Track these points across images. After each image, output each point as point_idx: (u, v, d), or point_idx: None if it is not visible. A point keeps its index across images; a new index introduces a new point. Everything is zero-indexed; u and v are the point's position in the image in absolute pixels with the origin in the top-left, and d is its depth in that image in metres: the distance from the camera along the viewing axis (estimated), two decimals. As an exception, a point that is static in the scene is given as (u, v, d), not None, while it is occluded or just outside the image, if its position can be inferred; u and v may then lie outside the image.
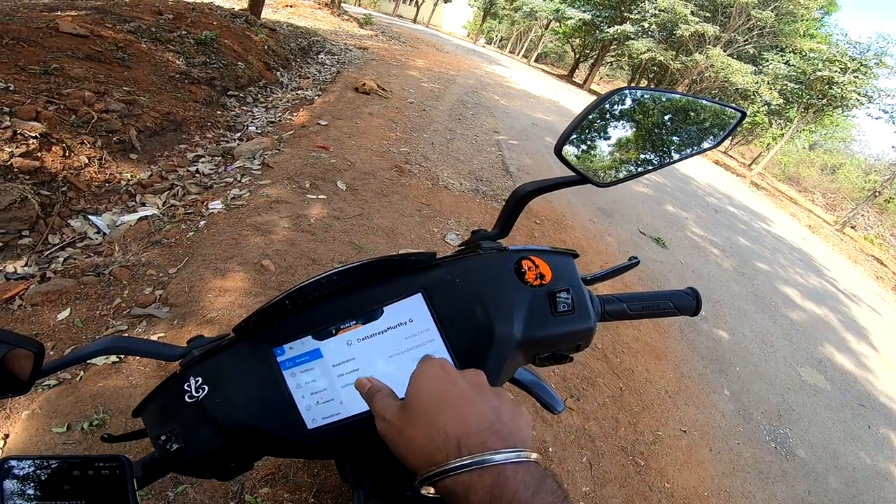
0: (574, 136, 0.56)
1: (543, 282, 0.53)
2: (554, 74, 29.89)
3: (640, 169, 0.59)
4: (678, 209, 7.05)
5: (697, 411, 2.87)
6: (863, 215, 19.75)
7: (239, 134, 4.09)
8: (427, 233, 3.31)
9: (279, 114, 4.90)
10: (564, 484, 2.00)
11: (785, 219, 12.52)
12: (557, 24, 29.36)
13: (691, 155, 0.60)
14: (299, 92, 5.93)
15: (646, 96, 0.59)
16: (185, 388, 0.49)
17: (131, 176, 2.87)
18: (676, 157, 0.60)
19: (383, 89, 6.52)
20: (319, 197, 3.18)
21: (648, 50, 21.82)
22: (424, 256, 0.53)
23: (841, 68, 16.83)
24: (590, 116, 0.55)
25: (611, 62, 31.91)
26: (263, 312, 0.50)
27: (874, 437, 3.56)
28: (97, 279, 1.97)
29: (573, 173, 0.58)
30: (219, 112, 4.45)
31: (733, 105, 0.60)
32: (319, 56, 8.67)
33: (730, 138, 30.41)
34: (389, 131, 4.98)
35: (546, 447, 2.15)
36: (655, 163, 0.59)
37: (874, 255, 15.38)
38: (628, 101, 0.58)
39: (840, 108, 18.79)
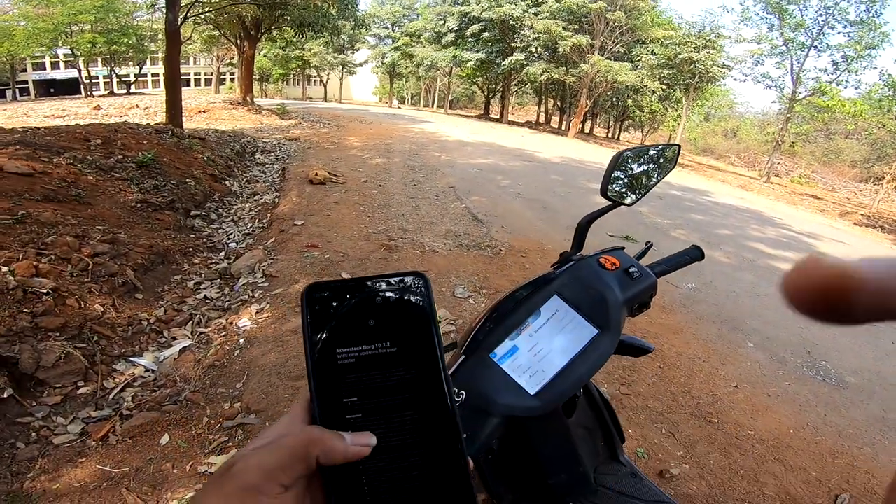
0: (609, 182, 0.91)
1: (617, 266, 0.81)
2: (472, 116, 31.66)
3: (646, 189, 0.96)
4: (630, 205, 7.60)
5: (735, 367, 3.11)
6: (778, 163, 21.92)
7: (223, 253, 4.10)
8: (437, 293, 3.46)
9: (249, 224, 4.96)
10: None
11: (719, 186, 13.67)
12: (458, 68, 31.43)
13: (666, 173, 1.00)
14: (257, 198, 6.02)
15: (633, 152, 0.97)
16: None
17: (147, 315, 2.90)
18: (659, 177, 0.98)
19: (335, 175, 6.75)
20: (333, 293, 3.30)
21: (544, 72, 23.69)
22: (548, 275, 0.82)
23: (694, 48, 19.10)
24: (611, 169, 0.91)
25: (516, 90, 34.29)
26: (475, 335, 0.74)
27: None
28: (176, 406, 2.15)
29: (610, 202, 0.92)
30: (192, 235, 4.45)
31: (668, 143, 1.05)
32: (256, 156, 8.82)
33: (642, 132, 32.66)
34: (361, 215, 5.17)
35: (626, 431, 2.28)
36: (652, 183, 0.97)
37: (808, 194, 16.99)
38: (627, 157, 0.96)
39: (710, 82, 21.20)
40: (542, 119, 32.01)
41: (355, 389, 0.35)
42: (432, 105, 40.17)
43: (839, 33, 18.21)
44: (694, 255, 0.94)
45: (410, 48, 31.81)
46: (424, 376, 0.36)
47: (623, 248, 0.87)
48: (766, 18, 19.18)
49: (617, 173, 0.93)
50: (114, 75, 29.45)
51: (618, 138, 32.45)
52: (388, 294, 0.37)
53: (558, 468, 0.78)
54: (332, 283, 0.37)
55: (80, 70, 27.26)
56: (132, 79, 30.27)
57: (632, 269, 0.81)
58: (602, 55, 21.94)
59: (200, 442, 1.96)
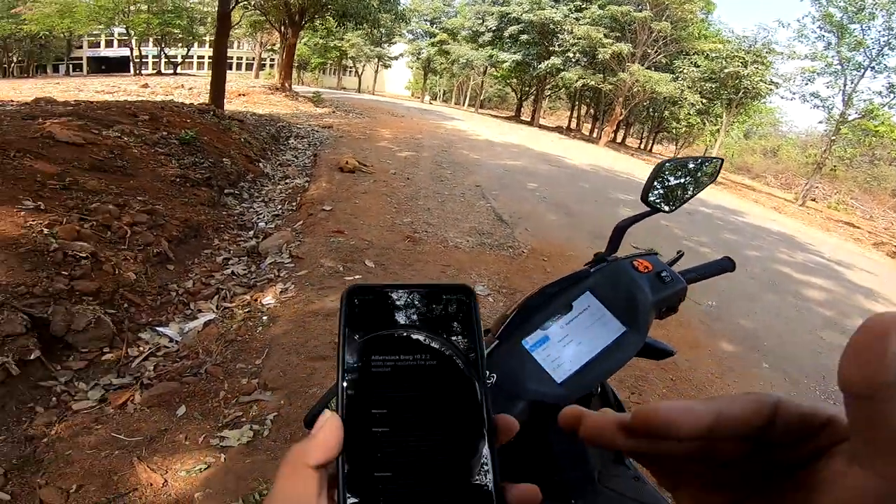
0: (650, 189, 0.92)
1: (649, 270, 0.83)
2: (502, 117, 31.52)
3: (683, 199, 0.97)
4: (657, 219, 7.44)
5: (748, 384, 3.09)
6: (817, 187, 21.11)
7: (251, 232, 4.19)
8: (457, 291, 3.46)
9: (279, 206, 5.06)
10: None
11: (751, 206, 13.28)
12: (493, 68, 31.28)
13: (706, 185, 1.02)
14: (288, 181, 6.13)
15: (674, 163, 0.97)
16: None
17: (176, 286, 2.97)
18: (698, 188, 1.00)
19: (365, 165, 6.82)
20: (356, 277, 3.35)
21: (580, 77, 23.34)
22: (583, 272, 0.84)
23: (742, 62, 18.44)
24: (653, 177, 0.92)
25: (549, 95, 33.94)
26: (509, 323, 0.77)
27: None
28: (196, 379, 2.18)
29: (649, 208, 0.93)
30: (224, 212, 4.57)
31: (710, 157, 1.05)
32: (290, 141, 8.98)
33: (676, 145, 31.92)
34: (388, 205, 5.21)
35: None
36: (689, 194, 0.98)
37: (844, 221, 16.35)
38: (669, 167, 0.97)
39: (755, 98, 20.49)
40: (573, 125, 31.62)
41: (386, 401, 0.33)
42: (463, 103, 40.12)
43: (900, 54, 17.33)
44: (725, 265, 0.96)
45: (447, 45, 31.83)
46: (462, 394, 0.33)
47: (657, 253, 0.89)
48: (824, 36, 18.44)
49: (658, 181, 0.96)
50: (163, 56, 30.48)
51: (650, 150, 31.81)
52: (432, 305, 0.36)
53: (567, 464, 0.80)
54: (375, 288, 0.35)
55: (132, 49, 28.27)
56: (179, 60, 31.26)
57: (663, 274, 0.83)
58: (642, 65, 21.47)
59: (215, 415, 1.98)
